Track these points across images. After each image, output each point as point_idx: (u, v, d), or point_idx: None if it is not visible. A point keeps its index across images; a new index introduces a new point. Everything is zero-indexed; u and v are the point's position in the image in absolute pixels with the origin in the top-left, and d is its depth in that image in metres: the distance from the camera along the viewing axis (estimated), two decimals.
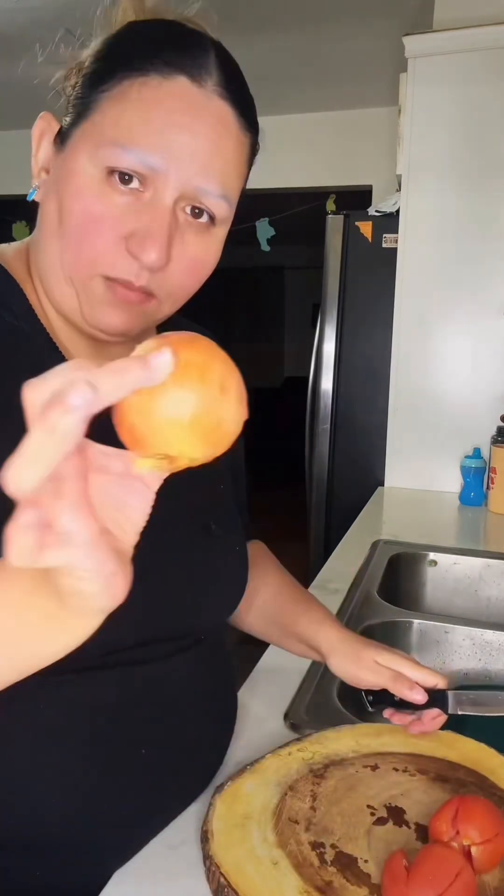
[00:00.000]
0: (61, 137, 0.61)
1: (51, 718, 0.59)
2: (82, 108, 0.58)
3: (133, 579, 0.60)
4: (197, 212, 0.59)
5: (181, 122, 0.56)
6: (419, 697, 0.76)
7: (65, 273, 0.60)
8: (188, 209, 0.59)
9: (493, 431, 2.07)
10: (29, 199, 0.62)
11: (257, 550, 0.95)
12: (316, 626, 0.85)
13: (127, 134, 0.55)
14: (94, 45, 0.61)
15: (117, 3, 0.61)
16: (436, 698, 0.77)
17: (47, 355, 0.64)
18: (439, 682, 0.78)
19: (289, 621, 0.87)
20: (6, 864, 0.62)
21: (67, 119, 0.60)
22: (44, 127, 0.62)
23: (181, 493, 0.72)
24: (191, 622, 0.71)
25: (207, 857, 0.60)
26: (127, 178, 0.56)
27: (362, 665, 0.80)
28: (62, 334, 0.66)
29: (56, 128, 0.61)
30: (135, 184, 0.56)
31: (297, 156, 3.52)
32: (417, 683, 0.77)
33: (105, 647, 0.62)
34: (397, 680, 0.78)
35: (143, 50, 0.57)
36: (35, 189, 0.62)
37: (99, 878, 0.62)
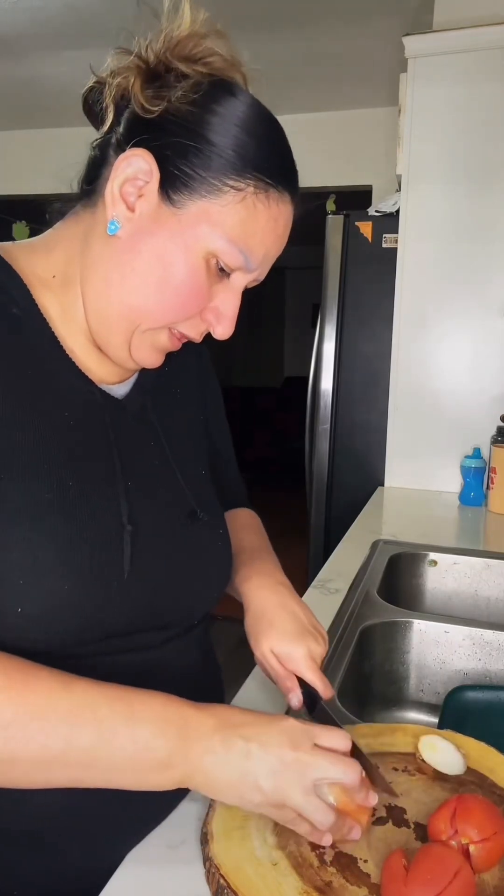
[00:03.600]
0: (168, 193, 0.62)
1: None
2: (202, 185, 0.62)
3: (130, 568, 0.63)
4: None
5: (280, 238, 0.68)
6: (294, 703, 0.75)
7: (137, 316, 0.65)
8: None
9: (493, 431, 2.07)
10: (111, 233, 0.64)
11: (242, 514, 0.96)
12: (245, 581, 0.83)
13: (244, 240, 0.64)
14: (207, 110, 0.62)
15: (180, 15, 0.63)
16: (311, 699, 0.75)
17: (49, 348, 0.67)
18: (326, 693, 0.75)
19: (234, 575, 0.85)
20: (7, 854, 0.63)
21: (176, 172, 0.62)
22: (141, 165, 0.62)
23: (168, 483, 0.74)
24: (183, 608, 0.73)
25: (207, 859, 0.60)
26: (228, 268, 0.65)
27: (258, 648, 0.79)
28: (69, 336, 0.69)
29: (157, 174, 0.62)
30: (228, 270, 0.66)
31: (297, 156, 3.49)
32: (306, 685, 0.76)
33: (101, 634, 0.63)
34: (284, 679, 0.77)
35: (270, 164, 0.64)
36: (116, 223, 0.64)
37: (98, 869, 0.62)
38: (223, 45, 0.64)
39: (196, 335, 0.69)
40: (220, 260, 0.64)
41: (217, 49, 0.64)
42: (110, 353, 0.69)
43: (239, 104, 0.63)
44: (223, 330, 0.68)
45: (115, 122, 0.65)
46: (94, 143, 0.68)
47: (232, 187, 0.62)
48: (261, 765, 0.57)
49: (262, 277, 0.69)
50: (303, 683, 0.76)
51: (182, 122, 0.62)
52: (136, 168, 0.62)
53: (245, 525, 0.95)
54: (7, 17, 2.69)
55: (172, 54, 0.63)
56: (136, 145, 0.62)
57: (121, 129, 0.64)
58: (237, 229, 0.63)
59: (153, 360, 0.70)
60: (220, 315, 0.68)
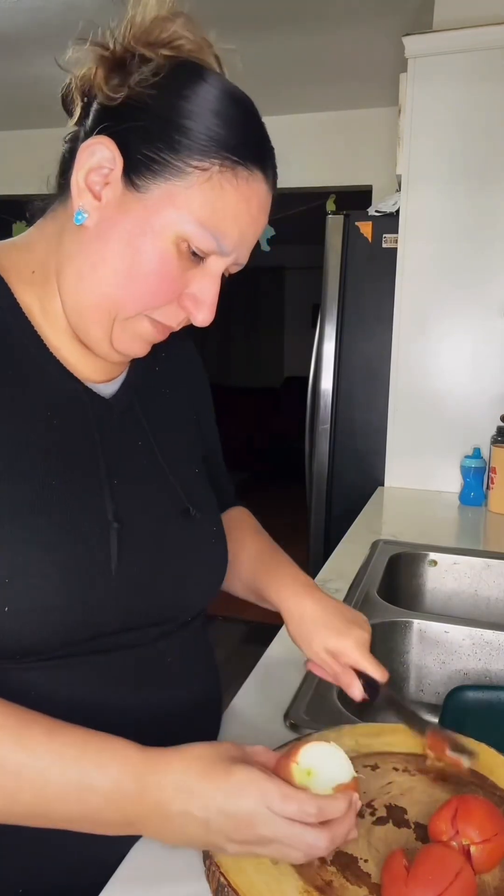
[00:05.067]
0: (131, 178, 0.62)
1: (38, 703, 0.59)
2: (164, 168, 0.61)
3: (118, 565, 0.63)
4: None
5: (255, 219, 0.65)
6: (357, 695, 0.77)
7: (112, 306, 0.64)
8: None
9: (493, 431, 2.07)
10: (77, 223, 0.63)
11: (238, 516, 0.96)
12: (278, 592, 0.85)
13: (213, 221, 0.62)
14: (168, 92, 0.61)
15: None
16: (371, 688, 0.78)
17: (32, 346, 0.67)
18: (381, 677, 0.77)
19: (260, 586, 0.87)
20: (11, 851, 0.63)
21: (139, 157, 0.61)
22: (104, 153, 0.62)
23: (159, 481, 0.74)
24: (176, 606, 0.73)
25: (207, 857, 0.60)
26: (201, 252, 0.63)
27: (311, 651, 0.81)
28: (52, 333, 0.68)
29: (120, 160, 0.61)
30: (201, 253, 0.64)
31: (297, 156, 3.52)
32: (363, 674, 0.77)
33: (91, 632, 0.63)
34: (342, 675, 0.78)
35: (236, 141, 0.62)
36: (82, 213, 0.63)
37: (98, 867, 0.62)
38: (192, 28, 0.63)
39: (175, 323, 0.68)
40: (191, 244, 0.62)
41: (185, 33, 0.63)
42: (92, 347, 0.68)
43: (202, 83, 0.62)
44: (203, 317, 0.66)
45: (84, 115, 0.65)
46: (66, 138, 0.68)
47: (196, 167, 0.61)
48: (220, 836, 0.54)
49: (242, 261, 0.68)
50: (359, 674, 0.78)
51: (142, 105, 0.61)
52: (99, 157, 0.62)
53: (246, 527, 0.94)
54: (7, 17, 2.69)
55: (137, 41, 0.62)
56: (99, 133, 0.62)
57: (89, 121, 0.64)
58: (205, 211, 0.61)
59: (137, 350, 0.69)
60: (198, 301, 0.66)
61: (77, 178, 0.62)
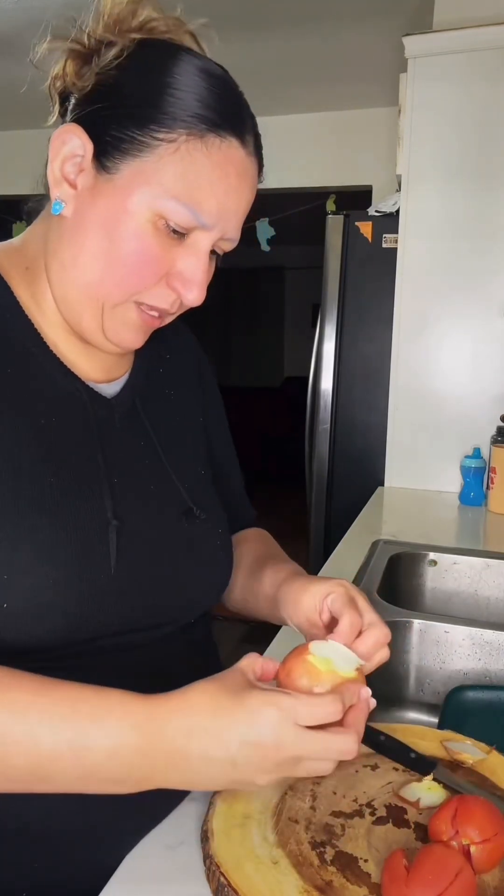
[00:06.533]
0: (101, 161, 0.61)
1: None
2: (132, 145, 0.60)
3: (117, 564, 0.65)
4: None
5: (234, 187, 0.62)
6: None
7: (97, 293, 0.64)
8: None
9: (493, 431, 2.07)
10: (55, 213, 0.63)
11: (255, 535, 0.94)
12: (279, 579, 0.77)
13: (188, 194, 0.60)
14: (131, 69, 0.61)
15: None
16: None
17: (31, 345, 0.67)
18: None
19: (257, 585, 0.80)
20: (14, 852, 0.62)
21: (107, 139, 0.61)
22: (74, 141, 0.62)
23: (162, 481, 0.73)
24: (178, 607, 0.72)
25: (207, 857, 0.60)
26: (180, 228, 0.61)
27: (308, 601, 0.70)
28: (50, 331, 0.68)
29: (90, 146, 0.61)
30: (181, 230, 0.62)
31: (297, 156, 3.52)
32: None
33: (92, 631, 0.63)
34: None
35: (202, 108, 0.60)
36: (60, 203, 0.63)
37: (98, 869, 0.62)
38: (161, 9, 0.63)
39: (167, 305, 0.66)
40: (168, 220, 0.61)
41: (155, 14, 0.63)
42: (87, 338, 0.67)
43: (165, 58, 0.61)
44: (193, 296, 0.65)
45: (64, 113, 0.65)
46: (50, 138, 0.68)
47: (163, 140, 0.59)
48: (248, 770, 0.53)
49: (231, 235, 0.65)
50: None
51: (107, 88, 0.61)
52: (70, 145, 0.62)
53: (263, 541, 0.90)
54: (7, 17, 2.69)
55: (108, 30, 0.62)
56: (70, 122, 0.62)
57: (68, 116, 0.64)
58: (178, 184, 0.60)
59: (131, 340, 0.68)
60: (185, 280, 0.64)
61: (52, 168, 0.63)
